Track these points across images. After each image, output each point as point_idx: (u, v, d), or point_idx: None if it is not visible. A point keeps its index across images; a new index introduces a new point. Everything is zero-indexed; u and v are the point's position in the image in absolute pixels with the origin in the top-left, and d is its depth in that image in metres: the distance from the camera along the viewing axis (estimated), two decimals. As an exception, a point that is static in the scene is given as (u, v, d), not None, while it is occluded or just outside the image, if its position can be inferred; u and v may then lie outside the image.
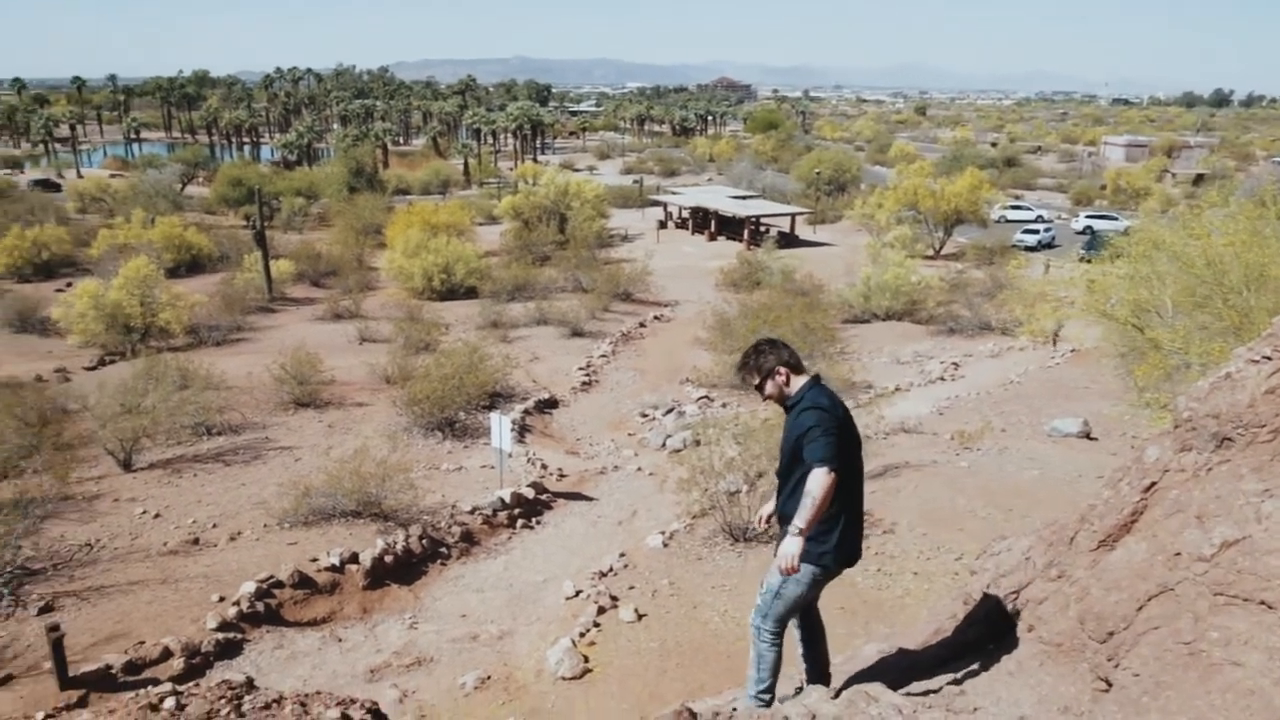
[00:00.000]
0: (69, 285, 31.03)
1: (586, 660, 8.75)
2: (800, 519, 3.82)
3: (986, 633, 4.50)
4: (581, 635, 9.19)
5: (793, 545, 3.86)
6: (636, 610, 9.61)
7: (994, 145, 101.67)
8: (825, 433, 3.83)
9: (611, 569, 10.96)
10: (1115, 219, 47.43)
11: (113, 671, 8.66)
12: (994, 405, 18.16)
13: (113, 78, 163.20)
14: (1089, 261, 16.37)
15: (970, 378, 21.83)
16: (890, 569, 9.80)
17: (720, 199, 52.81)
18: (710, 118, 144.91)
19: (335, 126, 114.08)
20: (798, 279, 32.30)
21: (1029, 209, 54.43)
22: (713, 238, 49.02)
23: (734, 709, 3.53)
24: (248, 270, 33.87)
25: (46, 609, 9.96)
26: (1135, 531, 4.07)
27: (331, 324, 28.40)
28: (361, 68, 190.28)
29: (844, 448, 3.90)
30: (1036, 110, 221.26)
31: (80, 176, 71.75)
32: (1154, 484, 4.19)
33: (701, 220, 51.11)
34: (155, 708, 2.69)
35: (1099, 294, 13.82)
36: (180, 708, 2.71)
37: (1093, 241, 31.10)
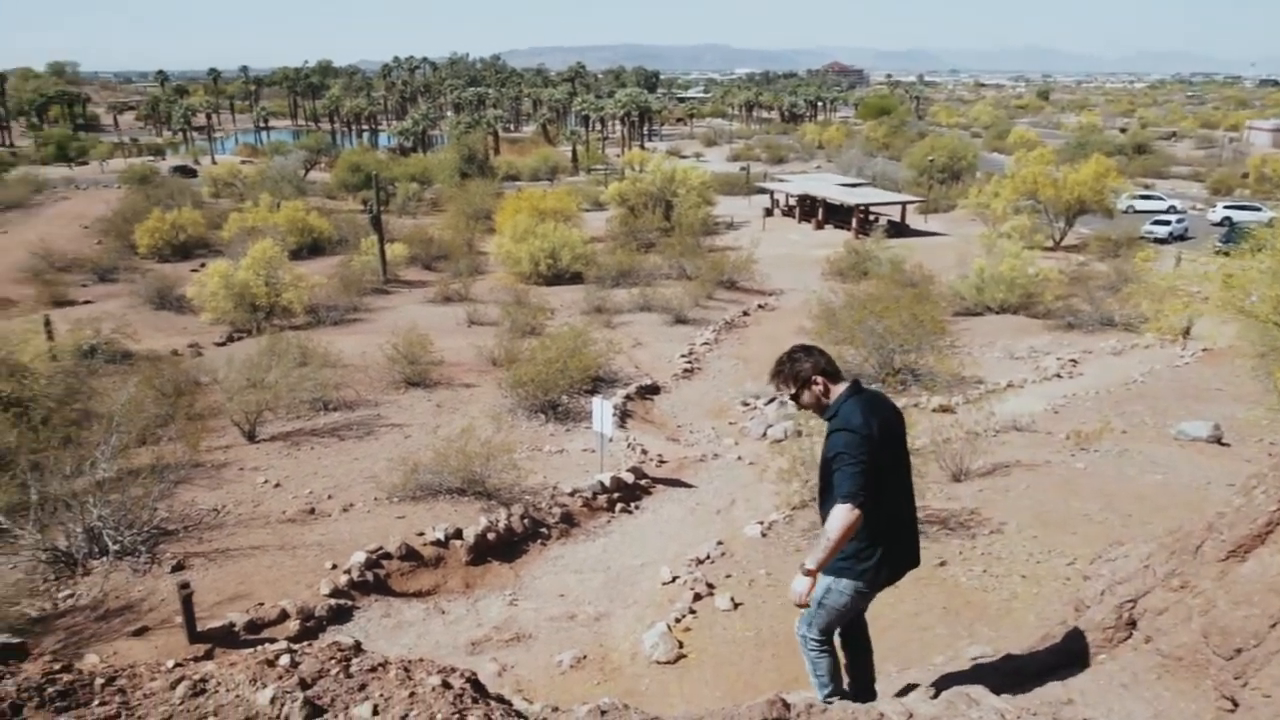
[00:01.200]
0: (202, 265, 32.91)
1: (681, 646, 8.78)
2: (811, 559, 3.74)
3: (1099, 641, 4.30)
4: (677, 621, 9.23)
5: (800, 585, 3.79)
6: (733, 599, 9.58)
7: (1123, 131, 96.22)
8: (852, 461, 3.66)
9: (709, 556, 10.96)
10: (1259, 209, 44.29)
11: (235, 629, 9.18)
12: (1115, 405, 17.27)
13: (245, 69, 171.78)
14: (1226, 255, 15.36)
15: (1089, 375, 20.82)
16: (997, 570, 9.47)
17: (828, 186, 51.84)
18: (820, 104, 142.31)
19: (449, 114, 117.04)
20: (907, 269, 31.43)
21: (1160, 199, 51.35)
22: (820, 226, 48.18)
23: (825, 706, 3.48)
24: (364, 253, 35.21)
25: (178, 567, 10.62)
26: (1270, 543, 3.81)
27: (442, 306, 29.24)
28: (475, 56, 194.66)
29: (882, 463, 3.71)
30: (1172, 93, 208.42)
31: (214, 163, 75.86)
32: (1293, 493, 3.92)
33: (809, 208, 50.30)
34: (271, 663, 2.83)
35: (1237, 289, 12.97)
36: (294, 665, 2.84)
37: (1231, 233, 29.17)
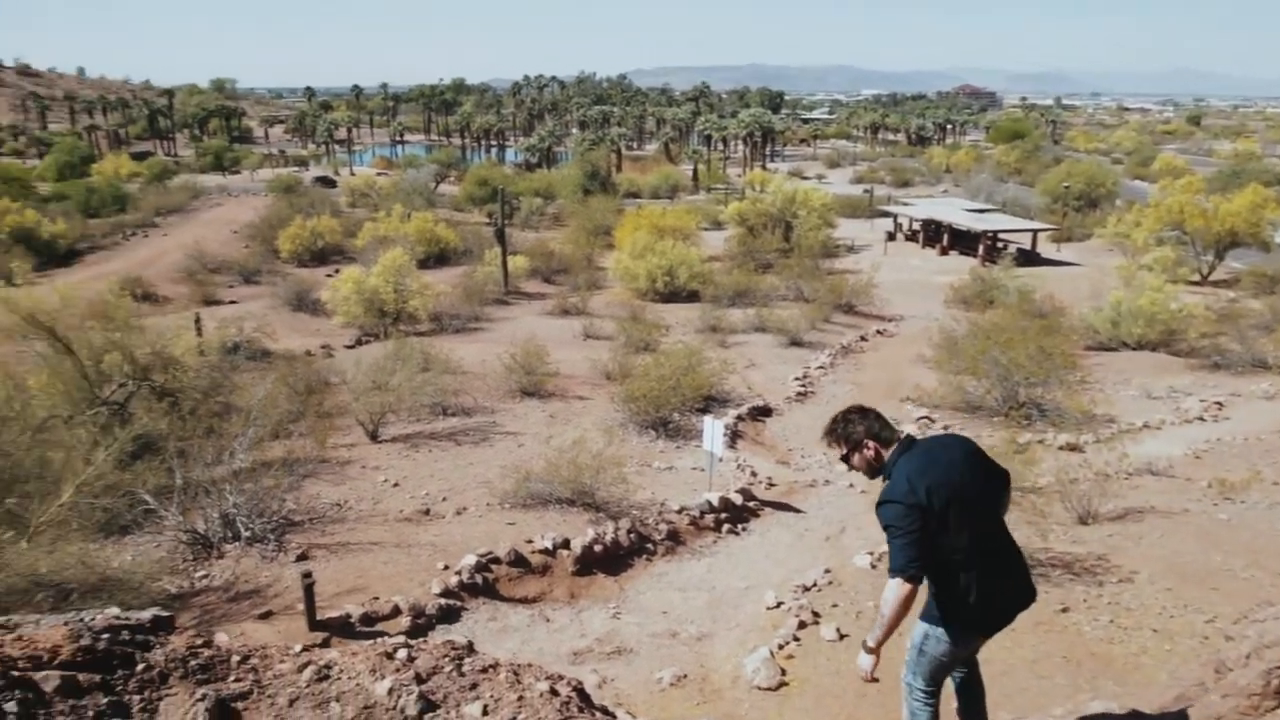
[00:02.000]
0: (337, 271, 34.64)
1: (784, 673, 8.62)
2: (872, 636, 3.74)
3: (1243, 708, 3.99)
4: (780, 647, 9.08)
5: (864, 661, 3.79)
6: (839, 629, 9.36)
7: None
8: (900, 533, 3.55)
9: (815, 584, 10.74)
10: None
11: (351, 620, 9.55)
12: (1265, 453, 16.04)
13: (384, 85, 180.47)
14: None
15: (1237, 420, 19.41)
16: (1125, 622, 8.92)
17: (955, 211, 50.39)
18: (949, 126, 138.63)
19: (574, 131, 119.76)
20: (1036, 299, 30.18)
21: (1325, 234, 47.59)
22: (944, 252, 46.85)
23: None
24: (487, 264, 36.33)
25: (302, 557, 11.14)
26: None
27: (559, 319, 29.83)
28: (602, 75, 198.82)
29: (946, 520, 3.57)
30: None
31: (353, 174, 79.93)
32: None
33: (933, 233, 49.00)
34: (390, 656, 2.94)
35: None
36: (410, 660, 2.94)
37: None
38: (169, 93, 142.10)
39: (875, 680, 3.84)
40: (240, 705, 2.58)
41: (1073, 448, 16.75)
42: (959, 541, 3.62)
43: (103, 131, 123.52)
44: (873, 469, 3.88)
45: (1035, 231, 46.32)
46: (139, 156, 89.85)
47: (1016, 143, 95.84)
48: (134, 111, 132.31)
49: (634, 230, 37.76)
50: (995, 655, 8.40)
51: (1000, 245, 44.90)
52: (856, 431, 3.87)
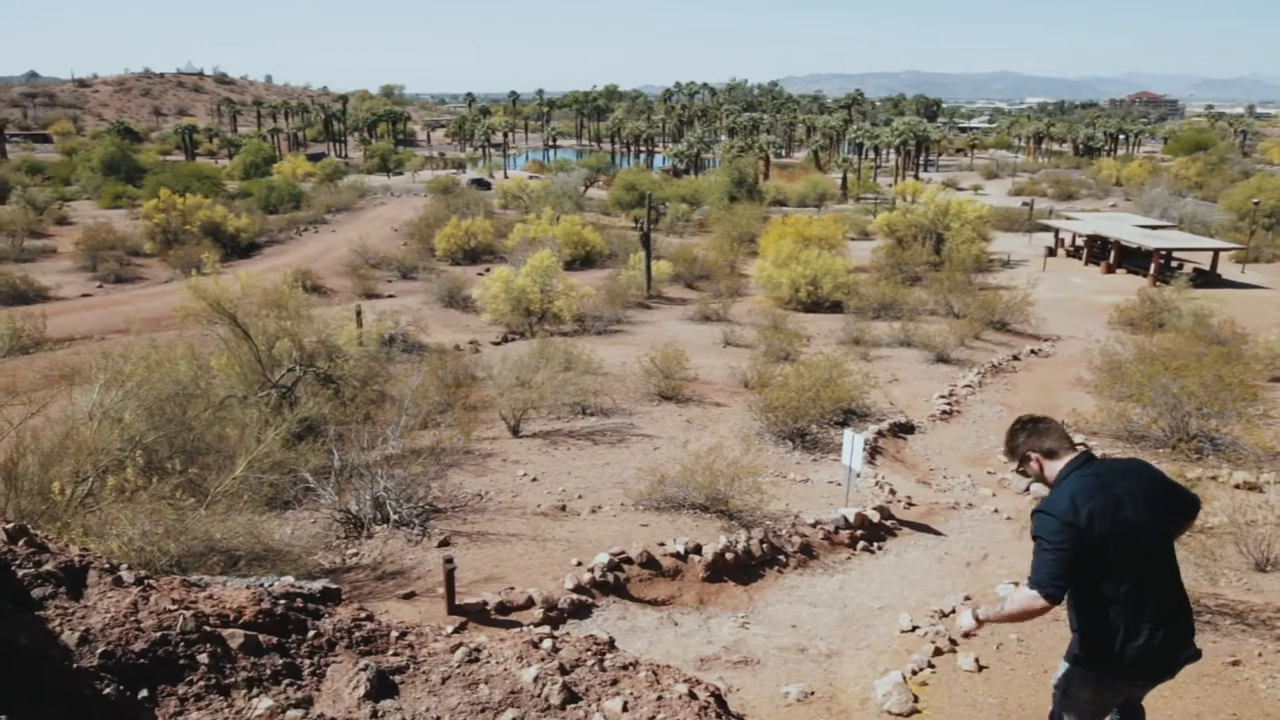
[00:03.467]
0: (487, 270, 36.00)
1: (916, 700, 8.34)
2: (984, 610, 3.69)
3: None
4: (914, 673, 8.78)
5: (966, 619, 3.79)
6: (977, 660, 8.96)
7: None
8: (1049, 549, 3.38)
9: (954, 610, 10.33)
10: None
11: (487, 608, 9.91)
12: None
13: (540, 91, 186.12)
14: None
15: None
16: (1308, 682, 8.15)
17: (1124, 227, 47.31)
18: (1122, 136, 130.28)
19: (723, 138, 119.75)
20: (1214, 324, 27.95)
21: None
22: (1110, 270, 44.09)
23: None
24: (632, 268, 36.87)
25: (444, 543, 11.65)
26: None
27: (700, 324, 29.93)
28: (753, 82, 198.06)
29: (1103, 551, 3.37)
30: None
31: (506, 177, 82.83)
32: None
33: (1099, 250, 46.20)
34: (536, 645, 3.05)
35: None
36: (555, 650, 3.03)
37: None
38: (343, 98, 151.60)
39: (968, 636, 3.94)
40: (398, 679, 2.74)
41: (1251, 486, 15.44)
42: (1115, 577, 3.42)
43: (284, 134, 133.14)
44: (1044, 480, 3.76)
45: (1216, 250, 42.93)
46: (314, 158, 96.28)
47: (1199, 154, 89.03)
48: (312, 116, 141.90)
49: (779, 238, 37.45)
50: (1154, 707, 7.85)
51: (1174, 264, 41.89)
52: (1021, 445, 3.80)
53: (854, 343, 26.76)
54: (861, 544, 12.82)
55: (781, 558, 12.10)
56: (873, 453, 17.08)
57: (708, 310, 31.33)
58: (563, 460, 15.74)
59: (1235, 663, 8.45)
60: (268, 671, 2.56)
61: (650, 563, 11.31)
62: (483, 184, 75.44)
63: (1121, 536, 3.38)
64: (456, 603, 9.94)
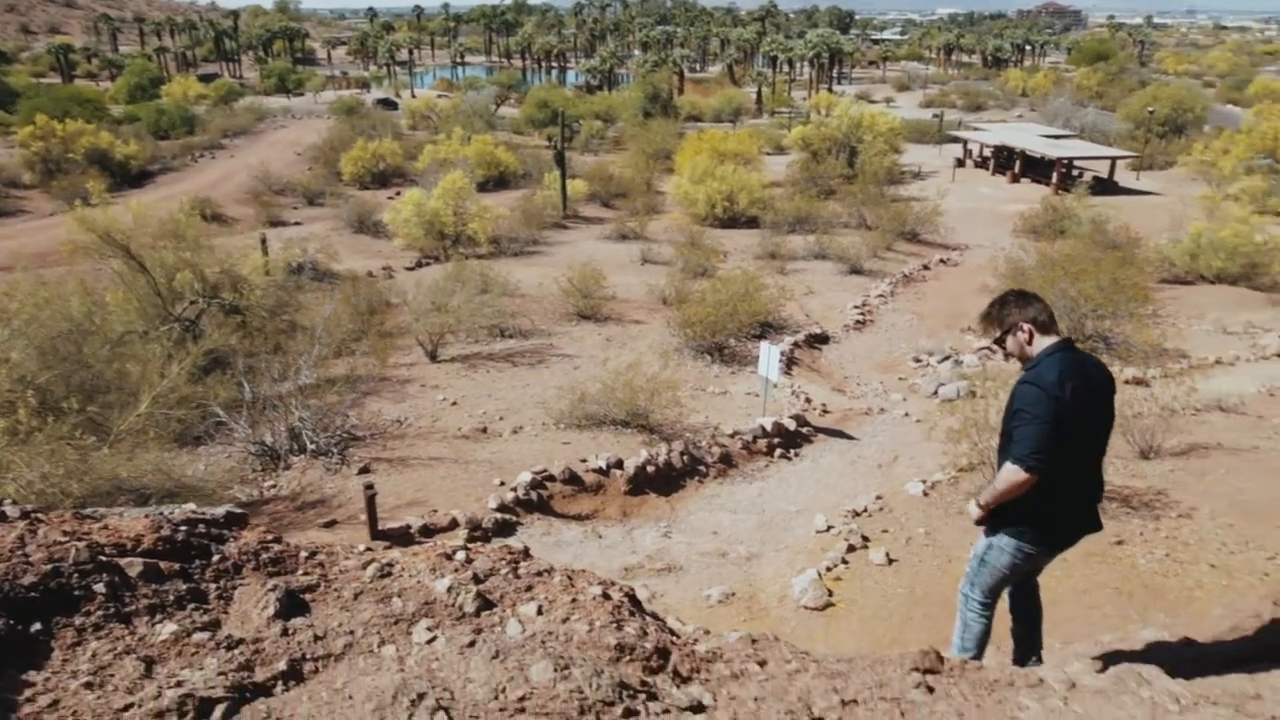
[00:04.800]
0: (398, 194, 34.91)
1: (831, 594, 8.75)
2: (982, 496, 3.74)
3: (1297, 640, 3.95)
4: (828, 569, 9.19)
5: (973, 509, 3.85)
6: (888, 554, 9.42)
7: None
8: (1034, 420, 3.44)
9: (866, 509, 10.79)
10: None
11: (411, 531, 9.92)
12: (1345, 393, 15.47)
13: (446, 6, 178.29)
14: None
15: (1318, 358, 18.69)
16: (1181, 556, 8.81)
17: (1029, 137, 48.40)
18: (1028, 48, 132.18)
19: (636, 53, 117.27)
20: (1111, 230, 29.09)
21: None
22: (1015, 179, 45.22)
23: (981, 664, 3.40)
24: (547, 188, 36.23)
25: (364, 470, 11.55)
26: None
27: (617, 243, 29.75)
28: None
29: (1071, 427, 3.48)
30: None
31: (414, 96, 79.72)
32: None
33: (1005, 160, 47.26)
34: (449, 557, 3.06)
35: None
36: (469, 561, 3.05)
37: None
38: (234, 14, 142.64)
39: (980, 524, 3.93)
40: (308, 597, 2.72)
41: (1139, 382, 16.32)
42: (1072, 453, 3.57)
43: (171, 54, 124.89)
44: (1025, 355, 3.74)
45: (1114, 159, 44.35)
46: (206, 79, 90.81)
47: (1099, 65, 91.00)
48: (200, 33, 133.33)
49: (695, 154, 37.17)
50: (1045, 584, 8.37)
51: (1075, 173, 43.18)
52: (1012, 315, 3.75)
53: (770, 257, 27.02)
54: (779, 451, 13.19)
55: (702, 468, 12.39)
56: (789, 363, 17.45)
57: (625, 228, 31.12)
58: (482, 383, 15.66)
59: (1119, 542, 9.07)
60: (171, 597, 2.52)
61: (573, 479, 11.45)
62: (389, 104, 72.48)
63: (1086, 416, 3.58)
64: (380, 528, 9.92)
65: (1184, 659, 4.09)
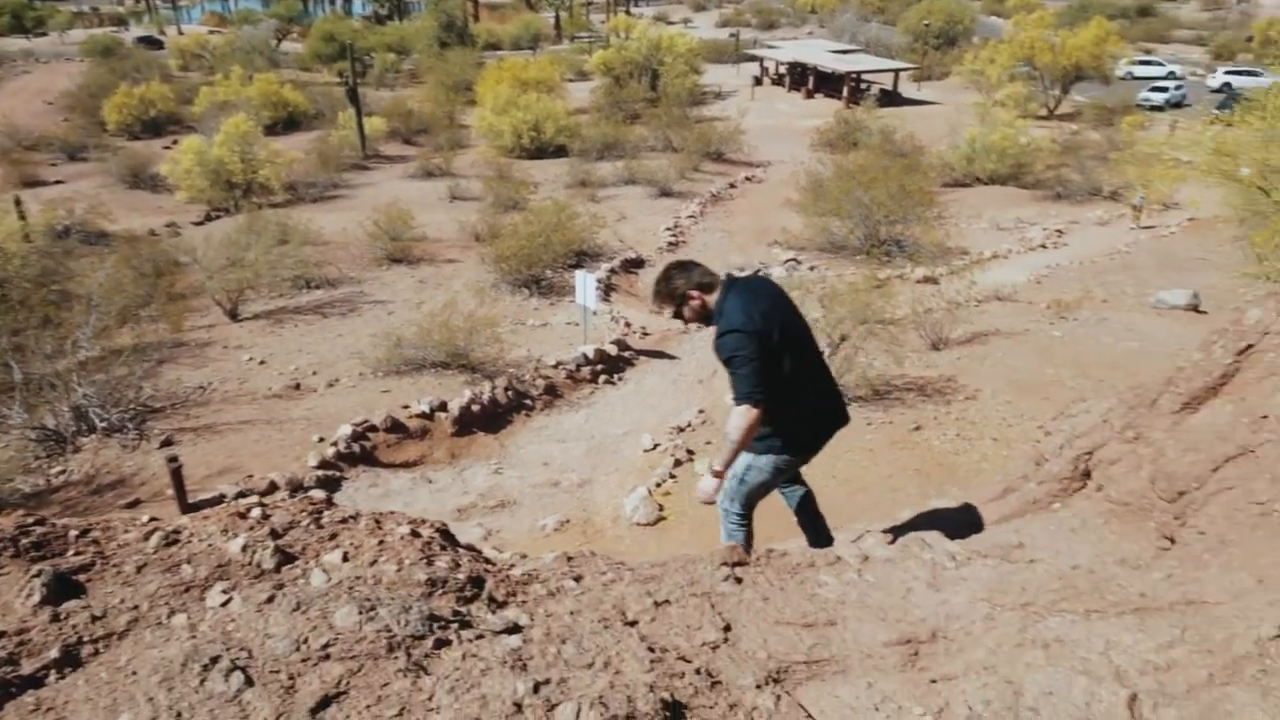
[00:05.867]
0: (175, 143, 31.96)
1: (661, 509, 9.06)
2: (719, 460, 3.87)
3: (1055, 492, 4.46)
4: (658, 485, 9.49)
5: (708, 484, 3.93)
6: (711, 464, 9.79)
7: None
8: (743, 361, 3.62)
9: (690, 424, 11.17)
10: (1259, 75, 43.24)
11: (226, 500, 9.39)
12: (1097, 275, 17.34)
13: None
14: (1224, 123, 15.06)
15: (1074, 246, 20.81)
16: (970, 434, 9.71)
17: (819, 54, 50.19)
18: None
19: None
20: (897, 139, 30.86)
21: (1160, 64, 50.00)
22: (810, 95, 46.93)
23: (785, 550, 3.63)
24: (342, 128, 34.25)
25: (167, 443, 10.77)
26: (1223, 394, 3.91)
27: (423, 181, 28.69)
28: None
29: (775, 346, 3.69)
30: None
31: (180, 33, 72.68)
32: (1251, 346, 3.99)
33: (799, 76, 48.88)
34: (243, 515, 2.91)
35: (1226, 155, 12.83)
36: (265, 517, 2.92)
37: (1229, 100, 28.53)
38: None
39: (713, 504, 4.01)
40: (83, 577, 2.52)
41: (929, 280, 17.63)
42: (790, 368, 3.77)
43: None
44: (705, 315, 3.87)
45: (897, 71, 46.83)
46: (-78, 20, 78.87)
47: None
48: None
49: (496, 84, 36.14)
50: (853, 475, 9.05)
51: (864, 86, 45.29)
52: (678, 285, 3.86)
53: (580, 185, 26.90)
54: (603, 378, 13.37)
55: (528, 402, 12.38)
56: (606, 290, 17.60)
57: (429, 165, 30.00)
58: (291, 338, 14.87)
59: (918, 428, 9.87)
60: (-86, 599, 2.27)
61: (396, 427, 11.16)
62: (153, 43, 65.73)
63: (785, 326, 3.77)
64: (190, 501, 9.32)
65: (964, 523, 4.53)
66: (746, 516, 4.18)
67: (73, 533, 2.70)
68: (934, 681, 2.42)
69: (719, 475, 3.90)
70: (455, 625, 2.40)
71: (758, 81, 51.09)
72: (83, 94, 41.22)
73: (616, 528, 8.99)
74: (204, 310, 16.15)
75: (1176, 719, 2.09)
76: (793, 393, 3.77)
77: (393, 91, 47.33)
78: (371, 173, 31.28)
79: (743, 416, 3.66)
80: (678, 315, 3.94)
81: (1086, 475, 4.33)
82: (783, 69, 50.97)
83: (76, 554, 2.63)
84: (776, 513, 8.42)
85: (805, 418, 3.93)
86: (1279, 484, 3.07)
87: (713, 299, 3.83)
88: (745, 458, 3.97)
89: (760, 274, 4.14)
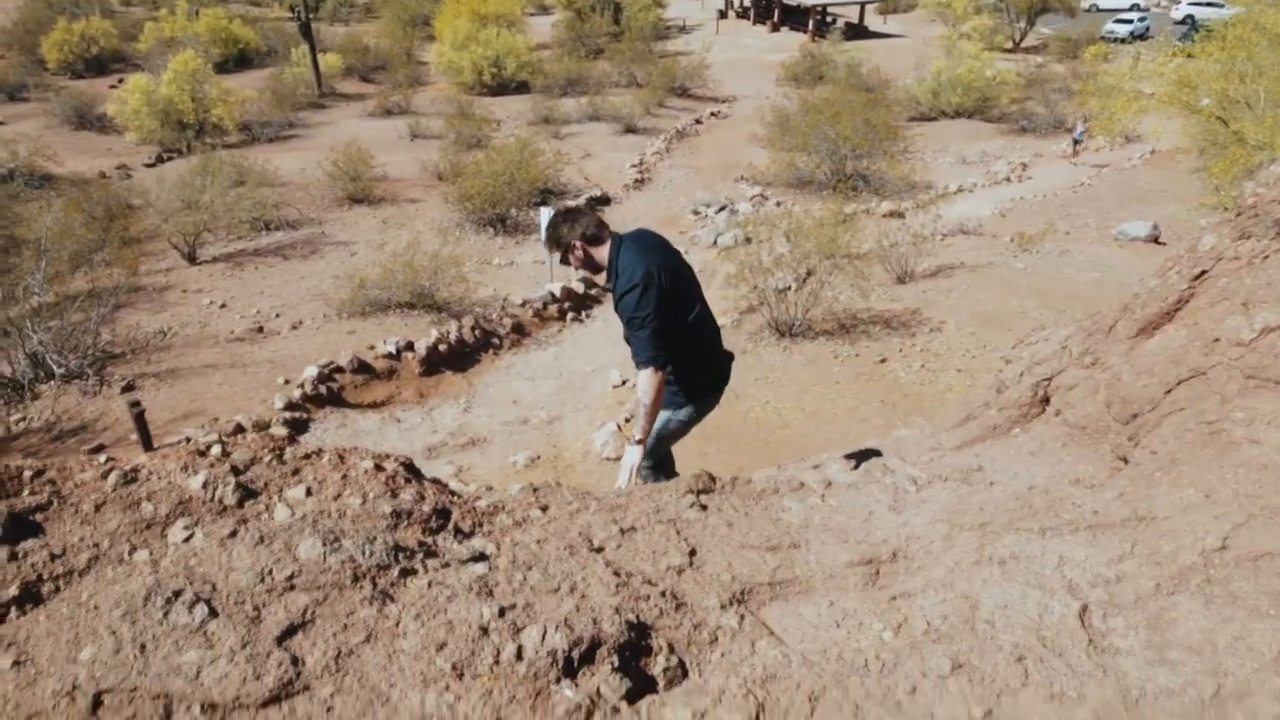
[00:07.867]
0: (121, 81, 30.81)
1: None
2: (638, 429, 3.82)
3: (1015, 417, 4.54)
4: (627, 420, 9.54)
5: (633, 455, 3.85)
6: (632, 436, 9.86)
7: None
8: (643, 322, 3.59)
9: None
10: (1221, 6, 43.19)
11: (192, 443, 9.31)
12: (1060, 208, 17.47)
13: None
14: (1186, 54, 15.07)
15: (1038, 179, 20.90)
16: (934, 366, 9.84)
17: (786, -15, 49.28)
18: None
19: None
20: (863, 73, 30.58)
21: (1125, -5, 49.80)
22: (775, 29, 46.20)
23: (750, 478, 3.68)
24: (296, 65, 33.23)
25: (128, 388, 10.61)
26: (1177, 319, 3.97)
27: (382, 120, 28.03)
28: None
29: (672, 301, 3.68)
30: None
31: (122, -35, 69.55)
32: (1205, 272, 4.05)
33: (764, 9, 48.04)
34: (203, 453, 2.88)
35: (1187, 87, 12.88)
36: (226, 454, 2.90)
37: (1191, 31, 28.54)
38: None
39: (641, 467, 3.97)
40: (39, 517, 2.49)
41: (894, 214, 17.65)
42: (684, 315, 3.78)
43: None
44: (594, 267, 3.80)
45: (862, 4, 46.17)
46: None
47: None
48: None
49: (454, 18, 35.16)
50: (821, 408, 9.16)
51: (829, 20, 44.66)
52: (565, 235, 3.77)
53: (544, 122, 26.44)
54: (570, 315, 13.33)
55: (496, 340, 12.33)
56: (573, 229, 17.42)
57: (388, 103, 29.28)
58: (252, 281, 14.61)
59: (883, 361, 9.98)
60: None
61: (363, 368, 11.08)
62: (94, -24, 62.93)
63: (676, 276, 3.76)
64: (155, 445, 9.23)
65: (926, 448, 4.60)
66: (656, 466, 4.24)
67: (27, 474, 2.65)
68: (894, 599, 2.48)
69: (641, 443, 3.85)
70: (421, 555, 2.41)
71: (722, 15, 50.18)
72: (18, 30, 39.42)
73: (586, 463, 9.06)
74: (160, 254, 15.81)
75: (1125, 626, 2.17)
76: (695, 346, 3.82)
77: (347, 27, 45.92)
78: (328, 111, 30.47)
79: (651, 380, 3.65)
80: (564, 262, 3.91)
81: (1045, 401, 4.40)
82: (748, 2, 50.06)
83: (32, 494, 2.59)
84: (742, 446, 8.52)
85: (709, 366, 4.00)
86: (1228, 404, 3.14)
87: (598, 251, 3.75)
88: (664, 414, 4.00)
89: (645, 229, 4.08)
